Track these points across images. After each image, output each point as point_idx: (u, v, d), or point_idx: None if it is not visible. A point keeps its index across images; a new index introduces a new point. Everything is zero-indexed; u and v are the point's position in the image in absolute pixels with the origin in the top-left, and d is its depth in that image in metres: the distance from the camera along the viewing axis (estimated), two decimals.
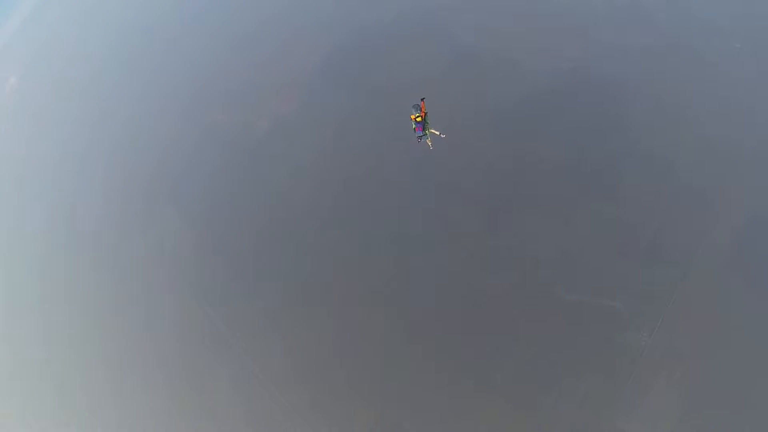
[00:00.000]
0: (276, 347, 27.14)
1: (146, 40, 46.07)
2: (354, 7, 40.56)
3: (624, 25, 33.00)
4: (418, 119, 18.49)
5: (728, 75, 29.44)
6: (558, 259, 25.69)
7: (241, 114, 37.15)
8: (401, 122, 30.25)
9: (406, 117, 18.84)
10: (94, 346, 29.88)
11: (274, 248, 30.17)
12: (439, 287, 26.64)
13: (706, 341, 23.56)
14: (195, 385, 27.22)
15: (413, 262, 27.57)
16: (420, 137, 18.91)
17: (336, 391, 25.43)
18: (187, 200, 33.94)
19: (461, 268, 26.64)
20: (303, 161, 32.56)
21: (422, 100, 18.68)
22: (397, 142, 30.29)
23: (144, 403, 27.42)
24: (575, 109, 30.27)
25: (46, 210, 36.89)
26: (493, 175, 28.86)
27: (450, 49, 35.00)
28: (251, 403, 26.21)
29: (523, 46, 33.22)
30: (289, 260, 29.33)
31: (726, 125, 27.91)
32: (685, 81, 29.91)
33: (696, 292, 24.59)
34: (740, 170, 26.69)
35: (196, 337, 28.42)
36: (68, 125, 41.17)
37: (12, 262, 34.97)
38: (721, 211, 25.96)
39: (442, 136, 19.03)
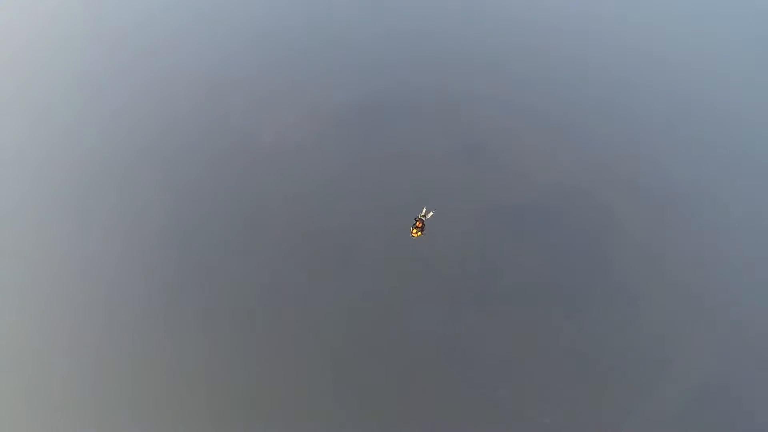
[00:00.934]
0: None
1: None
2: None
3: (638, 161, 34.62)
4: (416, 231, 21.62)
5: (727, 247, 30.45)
6: (507, 366, 25.78)
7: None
8: (389, 189, 33.02)
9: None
10: None
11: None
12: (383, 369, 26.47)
13: None
14: None
15: (366, 331, 27.67)
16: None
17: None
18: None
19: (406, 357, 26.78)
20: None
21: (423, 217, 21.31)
22: (382, 212, 31.48)
23: None
24: (565, 230, 31.33)
25: None
26: (469, 271, 29.69)
27: (459, 137, 36.52)
28: None
29: (532, 154, 35.11)
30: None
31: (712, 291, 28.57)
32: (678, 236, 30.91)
33: None
34: (709, 339, 26.75)
35: None
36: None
37: None
38: (677, 373, 25.81)
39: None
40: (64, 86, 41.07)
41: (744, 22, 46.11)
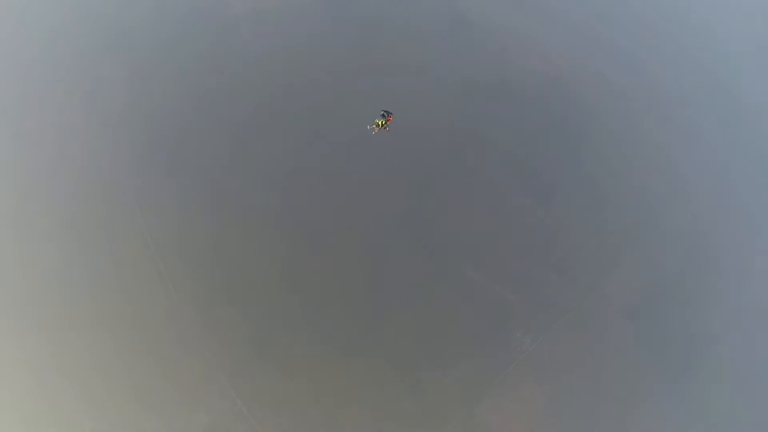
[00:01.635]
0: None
1: None
2: None
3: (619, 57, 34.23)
4: (380, 123, 21.05)
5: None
6: (473, 241, 25.82)
7: None
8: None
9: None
10: None
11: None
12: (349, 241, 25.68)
13: (581, 365, 24.77)
14: None
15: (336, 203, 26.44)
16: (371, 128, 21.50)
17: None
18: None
19: (378, 227, 25.98)
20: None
21: (391, 115, 20.97)
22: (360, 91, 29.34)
23: None
24: (540, 114, 30.88)
25: None
26: (438, 153, 28.50)
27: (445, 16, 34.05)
28: None
29: (518, 38, 33.32)
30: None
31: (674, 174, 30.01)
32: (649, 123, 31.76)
33: (588, 318, 25.82)
34: (671, 227, 28.55)
35: None
36: None
37: None
38: (642, 256, 27.52)
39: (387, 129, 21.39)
40: None
41: None
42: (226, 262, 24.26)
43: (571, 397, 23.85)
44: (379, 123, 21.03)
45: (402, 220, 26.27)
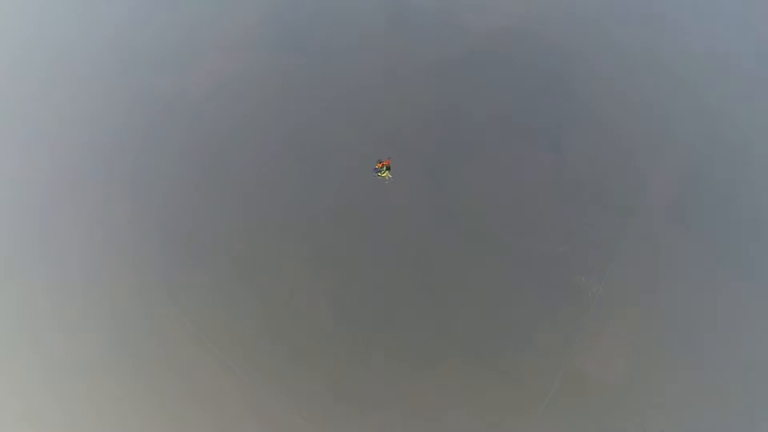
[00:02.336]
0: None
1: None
2: None
3: None
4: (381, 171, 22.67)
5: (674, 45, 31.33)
6: (503, 209, 25.83)
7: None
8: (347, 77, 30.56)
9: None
10: None
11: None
12: (381, 242, 25.77)
13: (652, 286, 24.66)
14: None
15: (353, 215, 26.60)
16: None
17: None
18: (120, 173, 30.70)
19: (404, 223, 25.99)
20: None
21: (389, 158, 22.75)
22: (340, 99, 29.73)
23: None
24: (516, 67, 30.97)
25: None
26: (434, 127, 28.57)
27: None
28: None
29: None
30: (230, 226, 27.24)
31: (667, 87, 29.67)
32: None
33: (640, 239, 25.73)
34: (679, 127, 28.41)
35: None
36: None
37: None
38: (663, 162, 27.45)
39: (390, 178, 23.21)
40: None
41: None
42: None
43: (655, 320, 23.75)
44: (382, 173, 22.84)
45: (423, 205, 26.32)
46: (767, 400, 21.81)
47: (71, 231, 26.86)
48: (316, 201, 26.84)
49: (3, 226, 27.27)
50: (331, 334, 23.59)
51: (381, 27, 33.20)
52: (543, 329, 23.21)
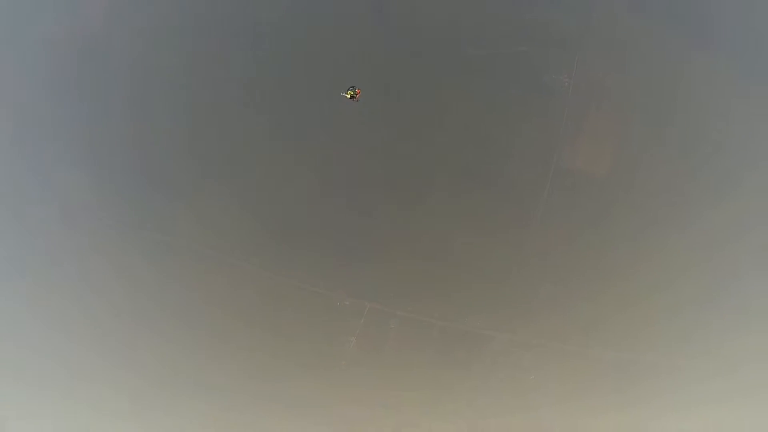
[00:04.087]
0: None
1: None
2: None
3: None
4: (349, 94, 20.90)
5: None
6: (457, 17, 22.35)
7: None
8: None
9: None
10: None
11: None
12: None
13: (622, 73, 22.56)
14: None
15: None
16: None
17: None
18: None
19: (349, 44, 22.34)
20: None
21: (359, 90, 20.92)
22: None
23: None
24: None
25: None
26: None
27: None
28: None
29: None
30: None
31: None
32: None
33: (604, 31, 23.09)
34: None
35: None
36: None
37: None
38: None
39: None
40: None
41: None
42: None
43: (632, 106, 22.03)
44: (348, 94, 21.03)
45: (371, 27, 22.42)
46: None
47: None
48: None
49: None
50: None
51: None
52: (522, 135, 21.17)
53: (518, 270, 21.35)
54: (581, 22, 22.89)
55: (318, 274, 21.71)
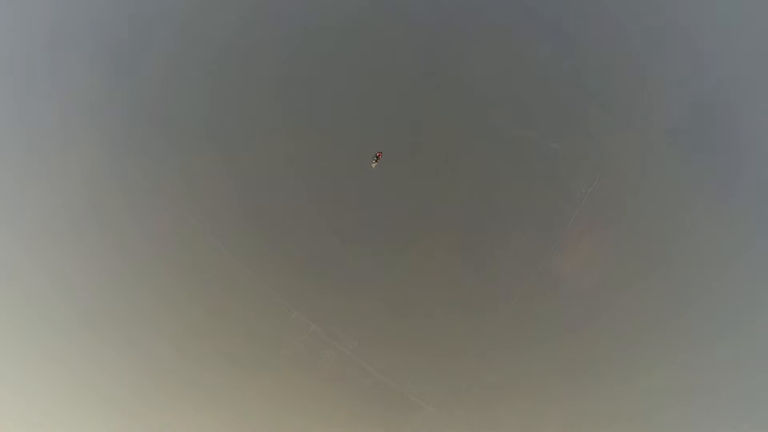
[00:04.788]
0: None
1: None
2: None
3: None
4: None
5: None
6: (503, 95, 22.77)
7: None
8: None
9: None
10: None
11: None
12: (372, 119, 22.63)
13: (641, 201, 22.73)
14: None
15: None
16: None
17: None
18: None
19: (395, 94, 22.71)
20: None
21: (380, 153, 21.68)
22: None
23: None
24: None
25: None
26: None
27: None
28: None
29: None
30: None
31: None
32: None
33: (636, 153, 23.45)
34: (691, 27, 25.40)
35: None
36: None
37: None
38: (675, 71, 24.54)
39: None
40: None
41: None
42: None
43: (639, 232, 22.02)
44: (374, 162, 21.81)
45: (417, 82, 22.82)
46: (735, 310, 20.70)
47: None
48: None
49: None
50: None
51: None
52: (524, 222, 21.03)
53: (473, 353, 20.66)
54: (620, 142, 23.28)
55: (280, 274, 21.11)
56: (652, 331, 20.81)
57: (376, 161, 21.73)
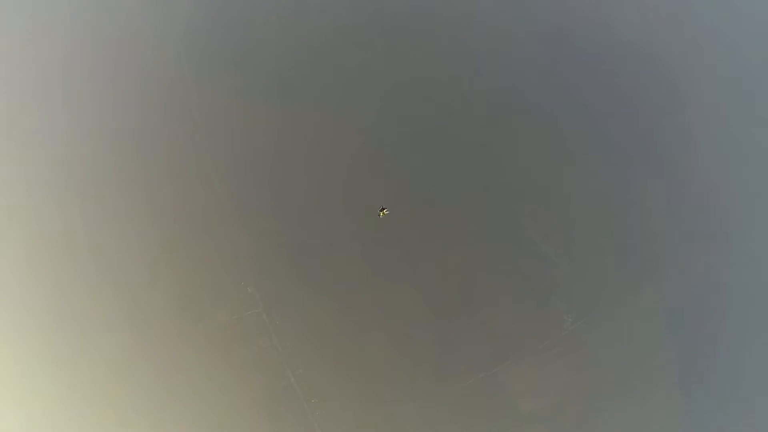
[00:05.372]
0: None
1: None
2: None
3: None
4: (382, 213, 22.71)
5: None
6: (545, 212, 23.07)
7: None
8: None
9: None
10: None
11: None
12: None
13: (614, 358, 22.07)
14: None
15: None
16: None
17: None
18: None
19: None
20: None
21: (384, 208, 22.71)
22: None
23: None
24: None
25: None
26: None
27: None
28: None
29: None
30: None
31: None
32: None
33: (637, 309, 22.83)
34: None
35: None
36: None
37: None
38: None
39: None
40: None
41: None
42: None
43: (597, 392, 21.22)
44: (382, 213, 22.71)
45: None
46: None
47: None
48: None
49: None
50: None
51: None
52: (501, 321, 20.68)
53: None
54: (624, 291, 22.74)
55: (256, 251, 21.09)
56: None
57: (381, 213, 22.72)
